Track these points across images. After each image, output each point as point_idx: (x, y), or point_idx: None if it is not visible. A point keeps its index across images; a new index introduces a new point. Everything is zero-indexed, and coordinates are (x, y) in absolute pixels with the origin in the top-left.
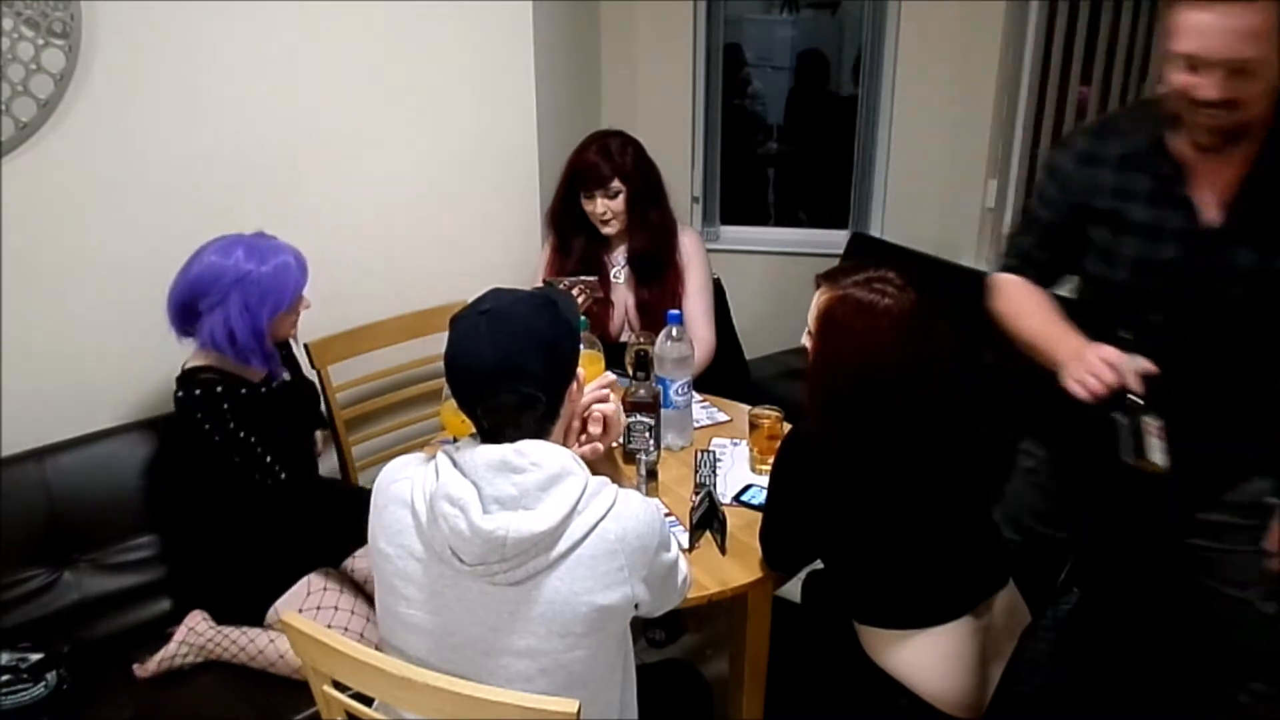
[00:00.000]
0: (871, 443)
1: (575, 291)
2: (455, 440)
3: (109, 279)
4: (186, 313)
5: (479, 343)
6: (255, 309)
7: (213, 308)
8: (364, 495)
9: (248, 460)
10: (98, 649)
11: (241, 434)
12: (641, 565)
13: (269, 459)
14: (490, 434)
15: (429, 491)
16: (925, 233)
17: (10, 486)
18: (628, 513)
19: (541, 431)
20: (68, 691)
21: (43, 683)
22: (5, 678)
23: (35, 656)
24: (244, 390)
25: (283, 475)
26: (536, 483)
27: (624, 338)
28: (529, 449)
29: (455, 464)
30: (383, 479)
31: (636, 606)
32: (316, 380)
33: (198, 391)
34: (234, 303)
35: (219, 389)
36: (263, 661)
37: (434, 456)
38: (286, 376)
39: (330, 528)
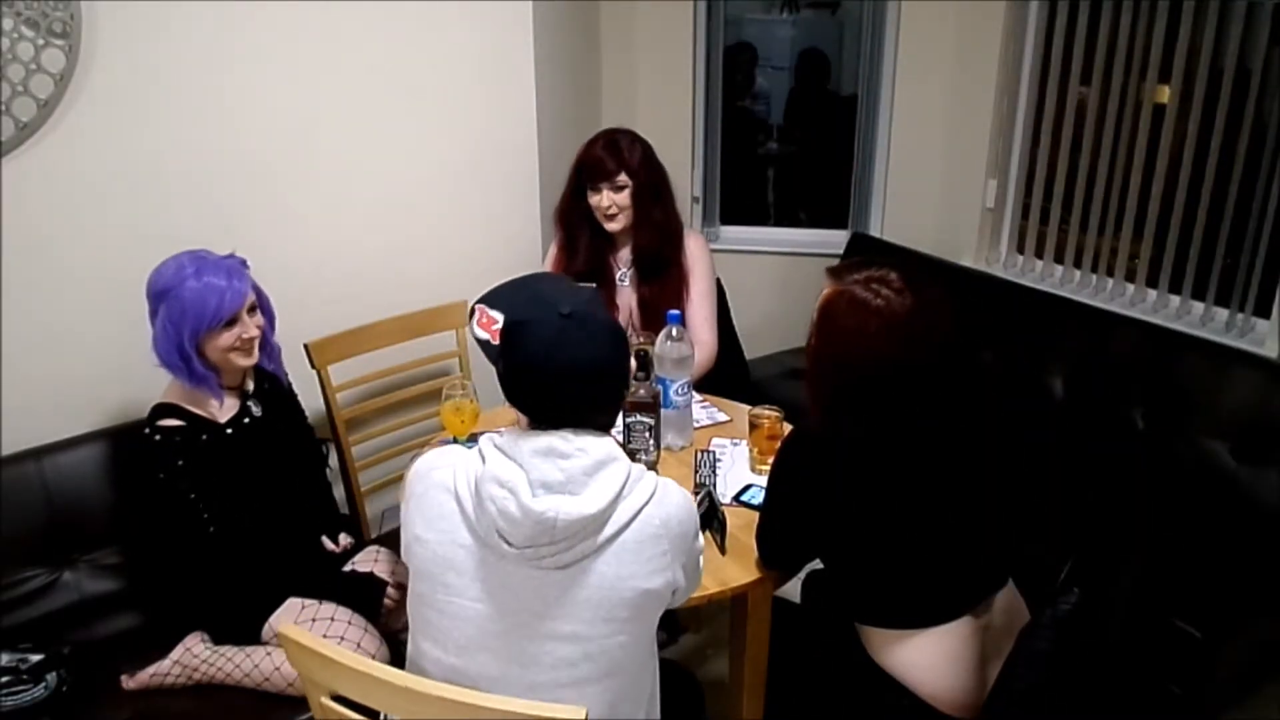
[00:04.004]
0: (872, 442)
1: None
2: (455, 440)
3: (109, 278)
4: (151, 320)
5: (583, 346)
6: (177, 324)
7: (153, 316)
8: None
9: (184, 516)
10: (98, 650)
11: (182, 486)
12: (683, 551)
13: (210, 528)
14: (550, 424)
15: (474, 476)
16: (925, 232)
17: (10, 486)
18: (669, 499)
19: (610, 426)
20: (67, 693)
21: (43, 684)
22: (5, 679)
23: (35, 658)
24: (205, 436)
25: (210, 529)
26: (583, 468)
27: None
28: (575, 435)
29: (500, 449)
30: (421, 466)
31: (674, 593)
32: (317, 380)
33: (158, 437)
34: (162, 315)
35: (178, 438)
36: (258, 677)
37: (474, 445)
38: (258, 412)
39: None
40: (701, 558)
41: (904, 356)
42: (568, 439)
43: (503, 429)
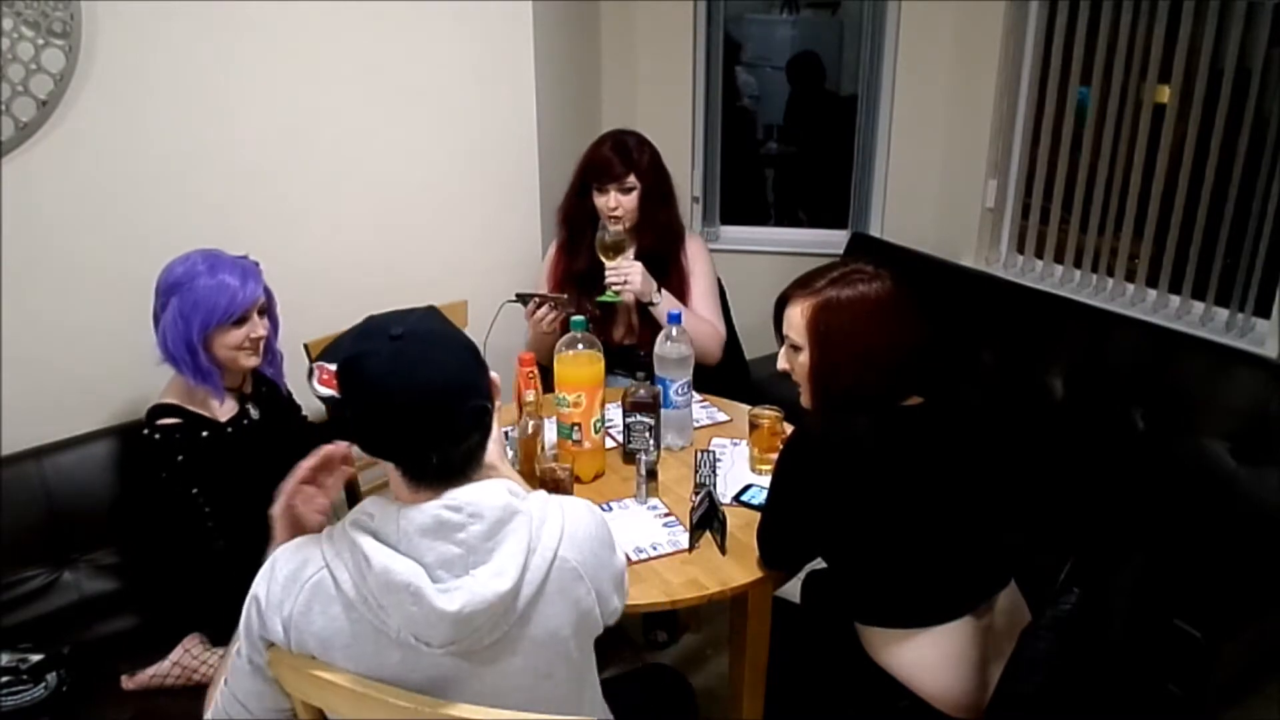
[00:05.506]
0: (877, 441)
1: (545, 308)
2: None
3: (109, 278)
4: (156, 319)
5: (421, 366)
6: (188, 317)
7: (162, 310)
8: None
9: (186, 515)
10: (98, 650)
11: (183, 483)
12: (606, 581)
13: (210, 525)
14: (433, 477)
15: (359, 581)
16: (925, 232)
17: (10, 486)
18: (580, 534)
19: (481, 451)
20: (67, 693)
21: (43, 684)
22: (5, 679)
23: (35, 657)
24: (205, 433)
25: (221, 542)
26: (481, 534)
27: (628, 340)
28: (463, 499)
29: (380, 538)
30: (284, 573)
31: (610, 613)
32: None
33: (157, 436)
34: (172, 307)
35: (177, 435)
36: None
37: (332, 531)
38: (255, 415)
39: None
40: (625, 575)
41: (902, 335)
42: (454, 502)
43: (370, 504)
